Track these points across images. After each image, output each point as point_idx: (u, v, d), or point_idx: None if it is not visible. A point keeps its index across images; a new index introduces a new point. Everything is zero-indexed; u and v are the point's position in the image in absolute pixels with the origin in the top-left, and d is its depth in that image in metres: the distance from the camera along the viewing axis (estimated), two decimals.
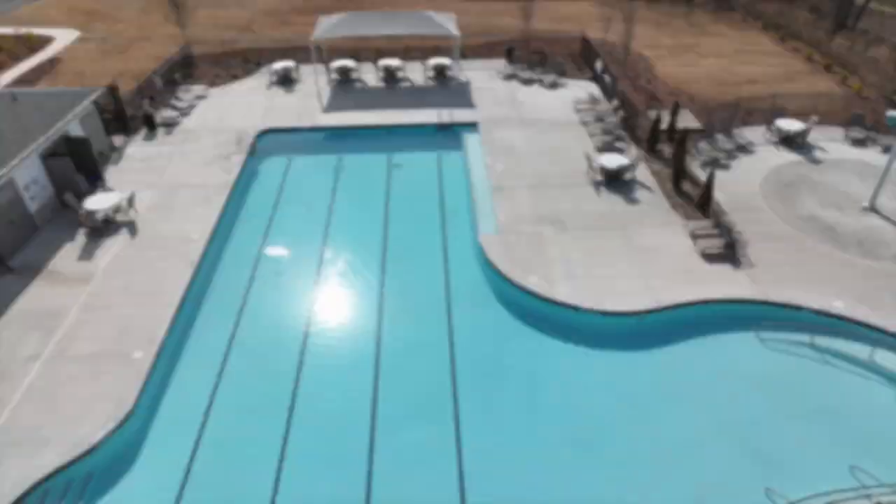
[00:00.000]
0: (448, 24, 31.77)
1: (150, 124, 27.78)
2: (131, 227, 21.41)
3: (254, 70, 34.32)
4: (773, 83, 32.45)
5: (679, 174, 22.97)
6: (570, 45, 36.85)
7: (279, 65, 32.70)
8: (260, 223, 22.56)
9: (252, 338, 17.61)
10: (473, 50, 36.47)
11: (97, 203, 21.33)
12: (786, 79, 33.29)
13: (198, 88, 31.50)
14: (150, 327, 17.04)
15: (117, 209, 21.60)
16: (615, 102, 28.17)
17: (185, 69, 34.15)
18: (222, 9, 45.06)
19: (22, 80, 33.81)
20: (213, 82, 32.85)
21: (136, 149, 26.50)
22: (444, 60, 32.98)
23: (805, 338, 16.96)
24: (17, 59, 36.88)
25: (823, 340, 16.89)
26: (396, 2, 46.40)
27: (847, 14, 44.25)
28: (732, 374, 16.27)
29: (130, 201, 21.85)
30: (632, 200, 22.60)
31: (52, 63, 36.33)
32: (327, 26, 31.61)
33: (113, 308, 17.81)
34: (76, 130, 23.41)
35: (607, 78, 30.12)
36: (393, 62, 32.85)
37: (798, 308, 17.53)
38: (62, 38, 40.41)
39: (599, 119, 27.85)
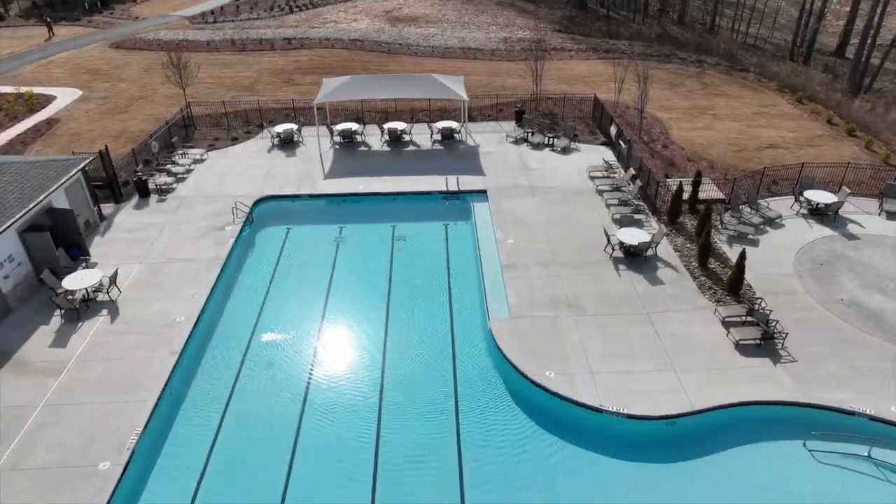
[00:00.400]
0: (456, 87, 30.76)
1: (144, 191, 26.49)
2: (112, 308, 19.77)
3: (255, 132, 33.27)
4: (795, 148, 31.10)
5: (705, 251, 21.29)
6: (581, 107, 35.79)
7: (281, 127, 31.64)
8: (253, 302, 20.91)
9: (236, 442, 15.70)
10: (481, 111, 35.45)
11: (76, 282, 19.77)
12: (807, 143, 31.95)
13: (196, 152, 30.34)
14: (122, 430, 15.18)
15: (98, 288, 20.02)
16: (632, 171, 26.74)
17: (184, 130, 33.16)
18: (227, 68, 44.56)
19: (17, 141, 32.85)
20: (213, 145, 31.74)
21: (127, 217, 25.11)
22: (452, 124, 31.85)
23: (861, 449, 14.94)
24: (14, 118, 36.07)
25: (883, 452, 14.86)
26: (403, 62, 45.88)
27: (863, 74, 43.34)
28: (777, 491, 14.22)
29: (113, 279, 20.29)
30: (655, 280, 20.88)
31: (50, 123, 35.44)
32: (331, 89, 30.62)
33: (82, 406, 16.00)
34: (60, 201, 22.04)
35: (622, 144, 28.80)
36: (398, 125, 31.74)
37: (850, 413, 15.56)
38: (63, 97, 39.71)
39: (616, 188, 26.39)
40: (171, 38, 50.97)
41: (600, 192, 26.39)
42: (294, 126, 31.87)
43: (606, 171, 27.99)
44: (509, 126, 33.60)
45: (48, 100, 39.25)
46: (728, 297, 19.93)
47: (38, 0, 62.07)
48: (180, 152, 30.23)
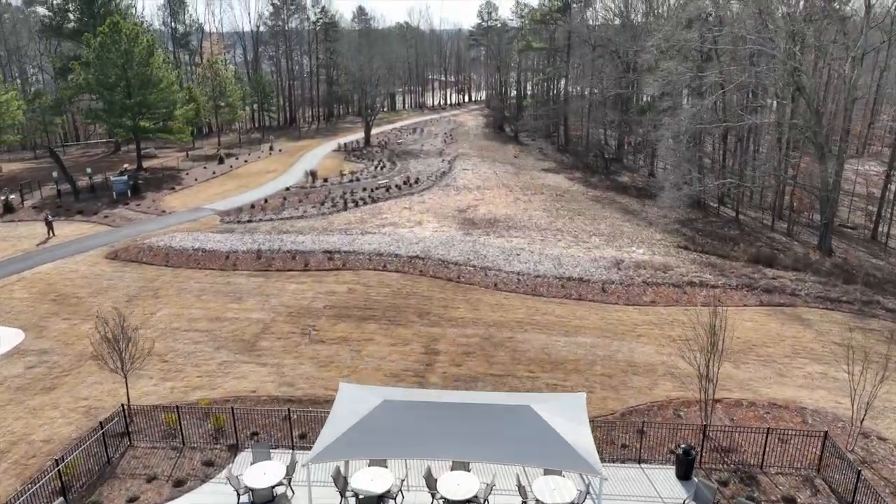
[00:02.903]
0: (576, 434, 16.12)
1: None
2: None
3: (220, 464, 19.52)
4: None
5: None
6: (786, 438, 20.36)
7: (253, 475, 17.72)
8: None
9: None
10: (605, 428, 20.64)
11: None
12: None
13: None
14: None
15: None
16: None
17: (105, 451, 19.81)
18: (235, 301, 32.39)
19: None
20: (136, 500, 18.02)
21: None
22: (565, 492, 17.02)
23: None
24: None
25: None
26: (477, 301, 32.52)
27: None
28: None
29: None
30: None
31: None
32: (340, 432, 16.51)
33: None
34: None
35: None
36: (462, 488, 17.17)
37: None
38: None
39: None
40: (185, 246, 40.25)
41: None
42: (279, 474, 17.85)
43: None
44: (664, 480, 18.48)
45: None
46: None
47: (62, 188, 54.52)
48: None
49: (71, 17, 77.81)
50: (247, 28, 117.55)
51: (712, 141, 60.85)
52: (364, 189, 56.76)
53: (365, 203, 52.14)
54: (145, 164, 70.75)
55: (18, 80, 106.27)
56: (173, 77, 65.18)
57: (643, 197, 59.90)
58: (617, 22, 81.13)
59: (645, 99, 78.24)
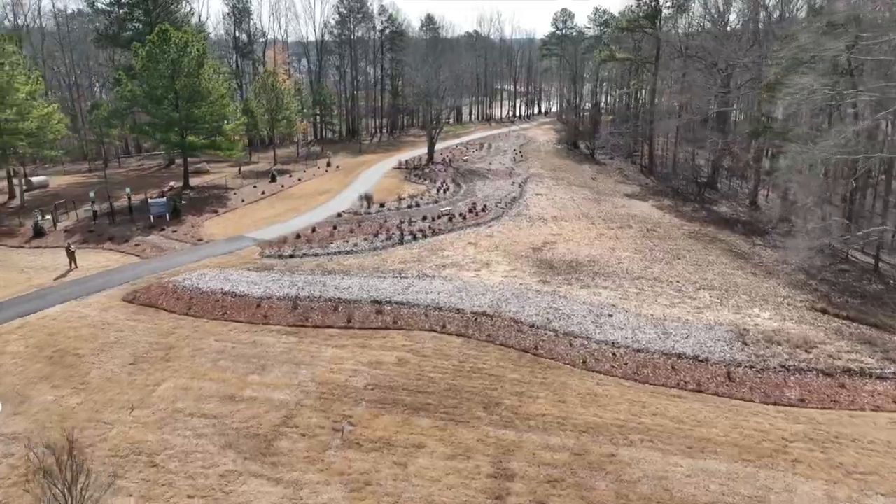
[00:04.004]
0: None
1: None
2: None
3: None
4: None
5: None
6: None
7: None
8: None
9: None
10: None
11: None
12: None
13: None
14: None
15: None
16: None
17: None
18: (256, 372, 26.13)
19: None
20: None
21: None
22: None
23: None
24: None
25: None
26: (562, 388, 25.07)
27: None
28: None
29: None
30: None
31: None
32: None
33: None
34: None
35: None
36: None
37: None
38: None
39: None
40: (214, 288, 34.49)
41: None
42: None
43: None
44: None
45: None
46: None
47: (98, 209, 50.19)
48: None
49: (128, 25, 74.97)
50: (311, 38, 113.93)
51: (834, 172, 51.17)
52: (424, 217, 50.13)
53: (424, 235, 45.42)
54: (196, 180, 66.68)
55: (91, 90, 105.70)
56: (224, 89, 60.51)
57: (750, 233, 50.99)
58: (709, 27, 72.07)
59: (744, 116, 68.83)
